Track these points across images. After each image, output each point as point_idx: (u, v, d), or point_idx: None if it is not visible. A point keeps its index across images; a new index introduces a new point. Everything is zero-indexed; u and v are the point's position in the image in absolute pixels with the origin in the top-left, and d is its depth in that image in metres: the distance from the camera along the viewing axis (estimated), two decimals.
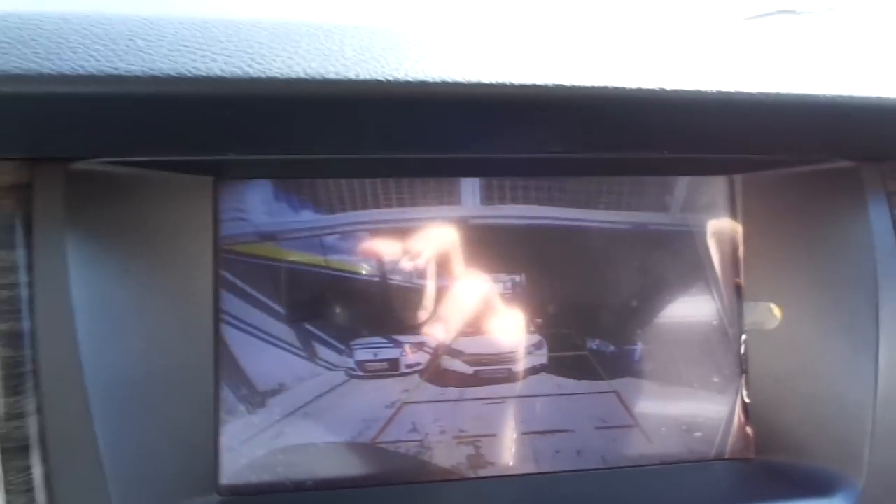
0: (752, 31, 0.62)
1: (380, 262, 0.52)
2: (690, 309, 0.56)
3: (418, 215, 0.53)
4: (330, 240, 0.52)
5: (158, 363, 0.47)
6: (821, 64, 0.50)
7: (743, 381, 0.56)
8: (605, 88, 0.44)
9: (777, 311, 0.55)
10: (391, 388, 0.52)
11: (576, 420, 0.54)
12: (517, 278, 0.54)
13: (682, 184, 0.57)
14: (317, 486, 0.51)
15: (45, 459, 0.42)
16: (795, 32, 0.62)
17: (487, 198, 0.54)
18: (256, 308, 0.51)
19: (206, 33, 0.42)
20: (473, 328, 0.53)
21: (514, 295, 0.54)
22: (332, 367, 0.51)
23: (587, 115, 0.47)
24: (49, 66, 0.39)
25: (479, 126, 0.47)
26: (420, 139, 0.48)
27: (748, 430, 0.56)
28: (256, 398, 0.51)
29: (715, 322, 0.56)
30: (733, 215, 0.57)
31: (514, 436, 0.53)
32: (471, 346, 0.53)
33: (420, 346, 0.52)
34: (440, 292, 0.53)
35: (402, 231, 0.53)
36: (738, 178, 0.57)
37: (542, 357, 0.54)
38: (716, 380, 0.56)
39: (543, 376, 0.54)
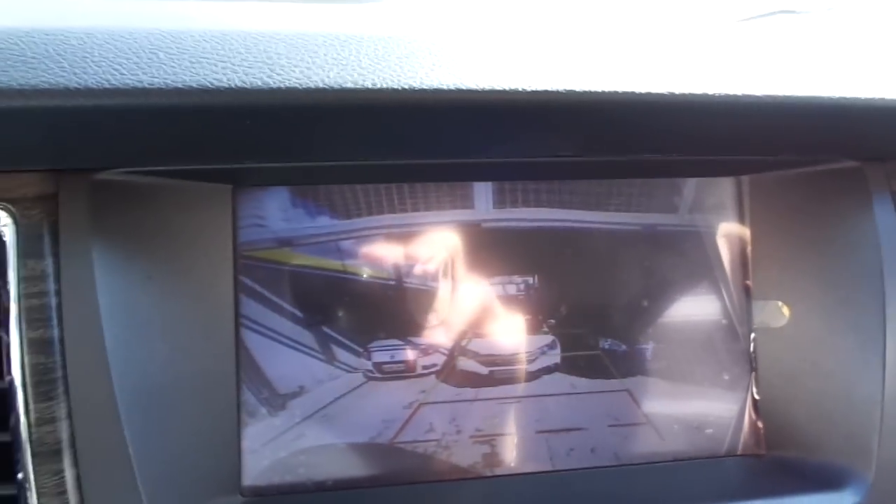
0: (754, 31, 0.63)
1: (395, 266, 0.54)
2: (700, 308, 0.57)
3: (432, 219, 0.54)
4: (346, 244, 0.53)
5: (182, 367, 0.48)
6: (823, 65, 0.51)
7: (753, 378, 0.57)
8: (615, 93, 0.45)
9: (785, 310, 0.57)
10: (408, 389, 0.53)
11: (589, 418, 0.55)
12: (530, 280, 0.55)
13: (691, 185, 0.58)
14: (337, 486, 0.52)
15: (77, 463, 0.43)
16: (797, 32, 0.63)
17: (499, 201, 0.55)
18: (276, 312, 0.52)
19: (225, 45, 0.43)
20: (488, 329, 0.54)
21: (526, 296, 0.55)
22: (351, 369, 0.53)
23: (597, 119, 0.48)
24: (75, 79, 0.41)
25: (492, 131, 0.48)
26: (434, 145, 0.50)
27: (759, 426, 0.57)
28: (277, 401, 0.52)
29: (724, 321, 0.57)
30: (741, 216, 0.58)
31: (529, 434, 0.54)
32: (485, 346, 0.54)
33: (436, 347, 0.54)
34: (454, 295, 0.54)
35: (416, 235, 0.54)
36: (745, 179, 0.58)
37: (555, 357, 0.55)
38: (726, 377, 0.57)
39: (557, 376, 0.55)
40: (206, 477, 0.49)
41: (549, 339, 0.55)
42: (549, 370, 0.55)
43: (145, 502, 0.43)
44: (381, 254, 0.53)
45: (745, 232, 0.58)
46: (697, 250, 0.57)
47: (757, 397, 0.57)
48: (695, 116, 0.49)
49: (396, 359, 0.53)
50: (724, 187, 0.58)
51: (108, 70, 0.41)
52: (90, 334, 0.44)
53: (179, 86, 0.41)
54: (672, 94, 0.46)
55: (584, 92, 0.45)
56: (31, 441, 0.43)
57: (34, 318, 0.44)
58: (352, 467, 0.52)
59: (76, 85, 0.41)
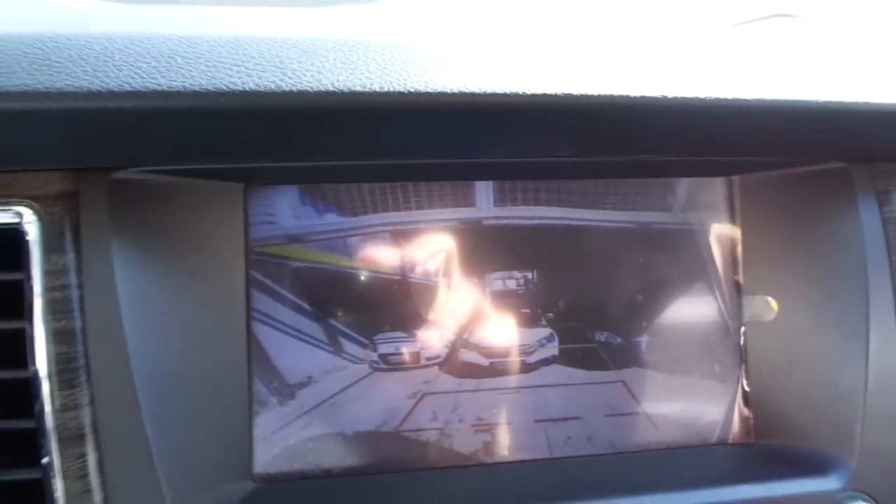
0: (748, 35, 0.65)
1: (400, 262, 0.56)
2: (692, 303, 0.59)
3: (435, 217, 0.56)
4: (353, 241, 0.55)
5: (196, 358, 0.50)
6: (813, 69, 0.53)
7: (743, 370, 0.60)
8: (610, 96, 0.48)
9: (774, 305, 0.59)
10: (412, 380, 0.55)
11: (586, 408, 0.57)
12: (529, 275, 0.57)
13: (684, 185, 0.60)
14: (344, 473, 0.54)
15: (99, 447, 0.45)
16: (789, 36, 0.65)
17: (500, 200, 0.57)
18: (285, 306, 0.54)
19: (239, 50, 0.45)
20: (488, 323, 0.57)
21: (526, 291, 0.57)
22: (357, 360, 0.55)
23: (593, 121, 0.50)
24: (98, 82, 0.43)
25: (493, 132, 0.50)
26: (438, 145, 0.52)
27: (748, 416, 0.59)
28: (287, 390, 0.54)
29: (716, 315, 0.60)
30: (732, 214, 0.60)
31: (528, 423, 0.57)
32: (486, 339, 0.56)
33: (438, 339, 0.56)
34: (457, 289, 0.56)
35: (420, 232, 0.56)
36: (736, 179, 0.60)
37: (553, 349, 0.57)
38: (717, 369, 0.59)
39: (555, 367, 0.57)
40: (219, 463, 0.51)
41: (547, 332, 0.57)
42: (547, 362, 0.57)
43: (163, 485, 0.45)
44: (386, 250, 0.56)
45: (736, 230, 0.60)
46: (690, 247, 0.60)
47: (747, 388, 0.59)
48: (687, 119, 0.51)
49: (401, 351, 0.55)
50: (716, 187, 0.60)
51: (128, 73, 0.43)
52: (110, 325, 0.46)
53: (196, 89, 0.43)
54: (665, 98, 0.48)
55: (581, 95, 0.47)
56: (55, 427, 0.45)
57: (57, 309, 0.46)
58: (358, 454, 0.55)
59: (98, 87, 0.43)
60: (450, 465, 0.55)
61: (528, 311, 0.57)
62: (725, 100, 0.49)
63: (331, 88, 0.44)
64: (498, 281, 0.57)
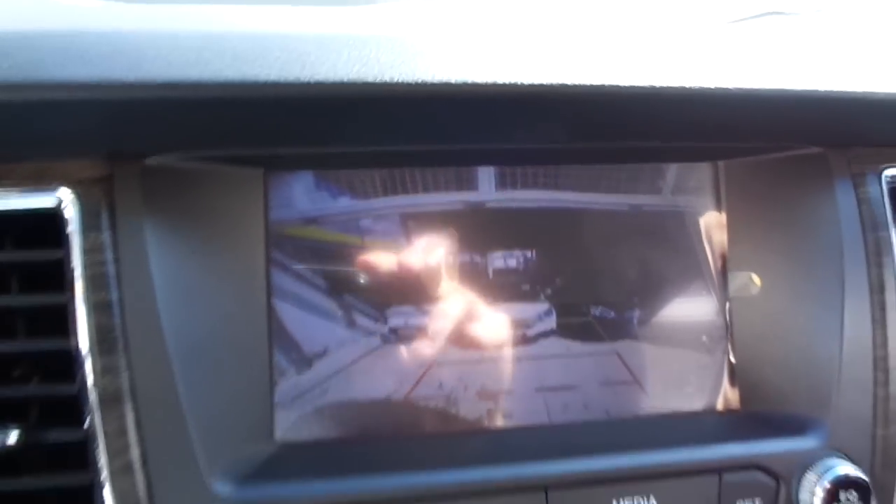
0: (738, 31, 0.68)
1: (408, 241, 0.60)
2: (681, 279, 0.63)
3: (440, 200, 0.60)
4: (365, 222, 0.59)
5: (222, 331, 0.54)
6: (795, 60, 0.57)
7: (728, 342, 0.64)
8: (604, 86, 0.52)
9: (757, 281, 0.63)
10: (420, 351, 0.59)
11: (582, 378, 0.61)
12: (528, 254, 0.61)
13: (672, 170, 0.64)
14: (357, 437, 0.58)
15: (136, 408, 0.49)
16: (779, 33, 0.69)
17: (501, 184, 0.61)
18: (303, 283, 0.58)
19: (261, 45, 0.49)
20: (491, 298, 0.61)
21: (525, 269, 0.61)
22: (369, 333, 0.59)
23: (588, 110, 0.54)
24: (132, 74, 0.47)
25: (494, 120, 0.54)
26: (442, 132, 0.56)
27: (734, 384, 0.63)
28: (304, 361, 0.58)
29: (703, 291, 0.64)
30: (718, 197, 0.65)
31: (528, 392, 0.61)
32: (489, 313, 0.61)
33: (445, 314, 0.60)
34: (461, 267, 0.60)
35: (426, 214, 0.60)
36: (721, 164, 0.64)
37: (551, 323, 0.61)
38: (704, 341, 0.63)
39: (553, 339, 0.61)
40: (243, 427, 0.55)
41: (545, 306, 0.61)
42: (545, 335, 0.61)
43: (195, 443, 0.49)
44: (395, 230, 0.60)
45: (722, 212, 0.64)
46: (679, 228, 0.64)
47: (732, 359, 0.63)
48: (675, 107, 0.55)
49: (410, 324, 0.59)
50: (703, 171, 0.64)
51: (160, 66, 0.47)
52: (145, 298, 0.50)
53: (222, 80, 0.47)
54: (654, 87, 0.52)
55: (576, 85, 0.51)
56: (96, 390, 0.49)
57: (96, 283, 0.50)
58: (370, 420, 0.59)
59: (133, 79, 0.47)
60: (455, 430, 0.60)
61: (527, 287, 0.61)
62: (710, 89, 0.53)
63: (345, 80, 0.48)
64: (499, 259, 0.61)
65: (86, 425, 0.49)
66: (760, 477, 0.55)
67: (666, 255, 0.64)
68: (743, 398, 0.63)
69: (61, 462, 0.51)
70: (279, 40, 0.50)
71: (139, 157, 0.53)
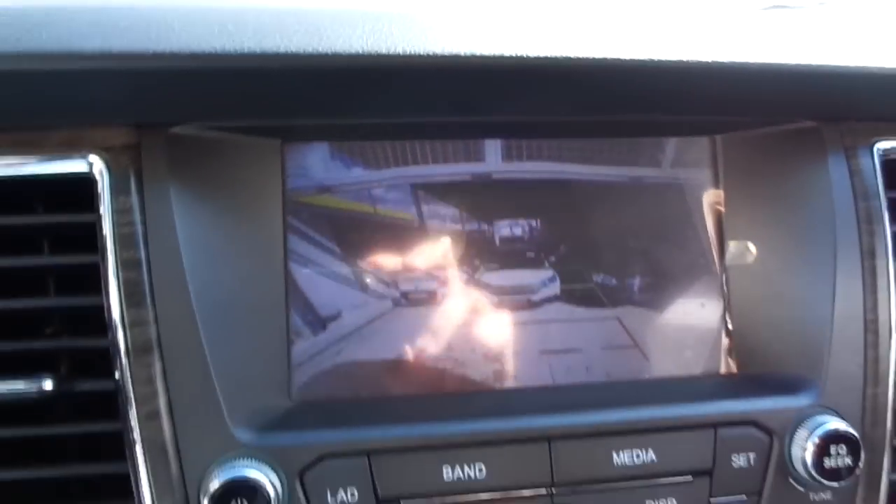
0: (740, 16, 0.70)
1: (418, 210, 0.63)
2: (680, 248, 0.66)
3: (450, 171, 0.63)
4: (377, 191, 0.62)
5: (242, 291, 0.57)
6: (788, 37, 0.59)
7: (726, 308, 0.66)
8: (606, 59, 0.54)
9: (753, 249, 0.65)
10: (430, 314, 0.62)
11: (584, 342, 0.64)
12: (533, 223, 0.64)
13: (672, 144, 0.66)
14: (369, 395, 0.61)
15: (163, 358, 0.52)
16: (782, 23, 0.71)
17: (507, 156, 0.64)
18: (318, 248, 0.61)
19: (281, 19, 0.52)
20: (497, 264, 0.63)
21: (530, 237, 0.64)
22: (381, 296, 0.62)
23: (590, 82, 0.57)
24: (160, 46, 0.50)
25: (501, 91, 0.57)
26: (452, 103, 0.59)
27: (731, 349, 0.66)
28: (319, 323, 0.61)
29: (701, 259, 0.66)
30: (715, 170, 0.67)
31: (533, 354, 0.63)
32: (495, 279, 0.63)
33: (453, 279, 0.63)
34: (469, 235, 0.63)
35: (435, 184, 0.63)
36: (719, 137, 0.67)
37: (555, 289, 0.64)
38: (702, 308, 0.66)
39: (556, 304, 0.64)
40: (262, 384, 0.57)
41: (549, 273, 0.64)
42: (549, 300, 0.64)
43: (219, 393, 0.52)
44: (406, 200, 0.63)
45: (719, 183, 0.67)
46: (678, 199, 0.66)
47: (730, 325, 0.66)
48: (674, 80, 0.58)
49: (420, 288, 0.62)
50: (701, 145, 0.67)
51: (186, 39, 0.50)
52: (171, 256, 0.54)
53: (245, 51, 0.50)
54: (654, 61, 0.55)
55: (580, 58, 0.54)
56: (125, 341, 0.52)
57: (125, 242, 0.53)
58: (381, 380, 0.61)
59: (160, 50, 0.50)
60: (463, 390, 0.62)
61: (532, 254, 0.64)
62: (708, 62, 0.56)
63: (359, 52, 0.51)
64: (505, 228, 0.64)
65: (116, 375, 0.52)
66: (754, 432, 0.58)
67: (665, 226, 0.66)
68: (740, 362, 0.65)
69: (91, 413, 0.54)
70: (298, 15, 0.53)
71: (165, 127, 0.56)
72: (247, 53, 0.50)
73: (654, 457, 0.56)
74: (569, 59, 0.54)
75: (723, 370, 0.66)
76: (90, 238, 0.54)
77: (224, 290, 0.56)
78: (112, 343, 0.52)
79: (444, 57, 0.53)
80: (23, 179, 0.55)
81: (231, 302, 0.57)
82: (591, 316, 0.65)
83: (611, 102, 0.61)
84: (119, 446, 0.53)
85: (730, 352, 0.66)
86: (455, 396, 0.62)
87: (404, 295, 0.62)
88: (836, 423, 0.57)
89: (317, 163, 0.62)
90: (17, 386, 0.52)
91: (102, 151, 0.55)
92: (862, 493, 0.60)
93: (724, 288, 0.66)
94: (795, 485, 0.58)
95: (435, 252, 0.63)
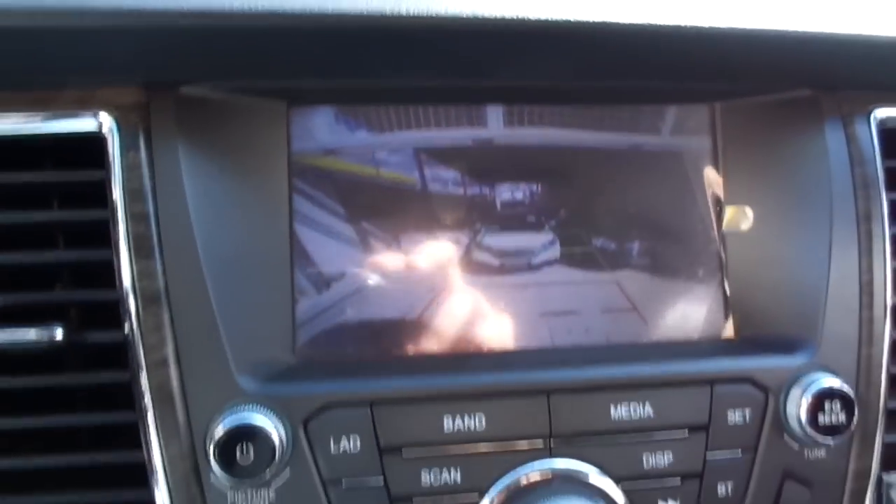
0: None
1: (421, 173, 0.64)
2: (679, 214, 0.67)
3: (452, 135, 0.64)
4: (381, 155, 0.63)
5: (249, 248, 0.59)
6: (787, 4, 0.60)
7: (723, 273, 0.67)
8: (606, 23, 0.55)
9: (751, 214, 0.66)
10: (431, 276, 0.63)
11: (584, 304, 0.65)
12: (534, 188, 0.65)
13: (671, 111, 0.67)
14: (371, 354, 0.62)
15: (170, 307, 0.54)
16: None
17: (509, 122, 0.65)
18: (322, 209, 0.62)
19: None
20: (498, 227, 0.65)
21: (531, 201, 0.65)
22: (384, 257, 0.63)
23: (591, 45, 0.58)
24: (170, 3, 0.51)
25: (504, 53, 0.58)
26: (455, 65, 0.60)
27: (728, 313, 0.67)
28: (323, 282, 0.62)
29: (699, 225, 0.67)
30: (714, 137, 0.68)
31: (533, 317, 0.64)
32: (496, 241, 0.64)
33: (455, 241, 0.64)
34: (471, 198, 0.64)
35: (438, 148, 0.64)
36: (717, 105, 0.68)
37: (555, 252, 0.65)
38: (700, 272, 0.67)
39: (556, 268, 0.65)
40: (267, 340, 0.59)
41: (550, 236, 0.65)
42: (549, 263, 0.65)
43: (224, 342, 0.54)
44: (409, 163, 0.64)
45: (718, 151, 0.68)
46: (677, 166, 0.67)
47: (727, 290, 0.67)
48: (672, 44, 0.59)
49: (422, 250, 0.63)
50: (700, 113, 0.68)
51: None
52: (178, 211, 0.55)
53: (254, 9, 0.52)
54: (654, 25, 0.56)
55: (579, 21, 0.55)
56: (133, 291, 0.53)
57: (134, 197, 0.55)
58: (384, 339, 0.63)
59: (170, 7, 0.51)
60: (463, 350, 0.63)
61: (532, 218, 0.65)
62: (707, 28, 0.57)
63: (364, 11, 0.53)
64: (506, 192, 0.65)
65: (125, 325, 0.53)
66: (750, 390, 0.59)
67: (664, 192, 0.67)
68: (737, 326, 0.66)
69: (100, 365, 0.56)
70: None
71: (174, 87, 0.58)
72: (253, 12, 0.52)
73: (650, 411, 0.57)
74: (569, 21, 0.55)
75: (720, 334, 0.67)
76: (99, 196, 0.56)
77: (230, 246, 0.57)
78: (121, 293, 0.53)
79: (446, 18, 0.54)
80: (34, 137, 0.56)
81: (237, 259, 0.58)
82: (591, 279, 0.66)
83: (611, 67, 0.62)
84: (127, 398, 0.54)
85: (727, 316, 0.67)
86: (454, 358, 0.63)
87: (406, 256, 0.63)
88: (830, 381, 0.58)
89: (322, 126, 0.63)
90: (28, 335, 0.53)
91: (112, 109, 0.56)
92: (856, 452, 0.61)
93: (722, 253, 0.67)
94: (790, 441, 0.59)
95: (436, 214, 0.64)
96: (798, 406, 0.58)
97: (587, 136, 0.66)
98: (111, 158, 0.55)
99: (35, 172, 0.57)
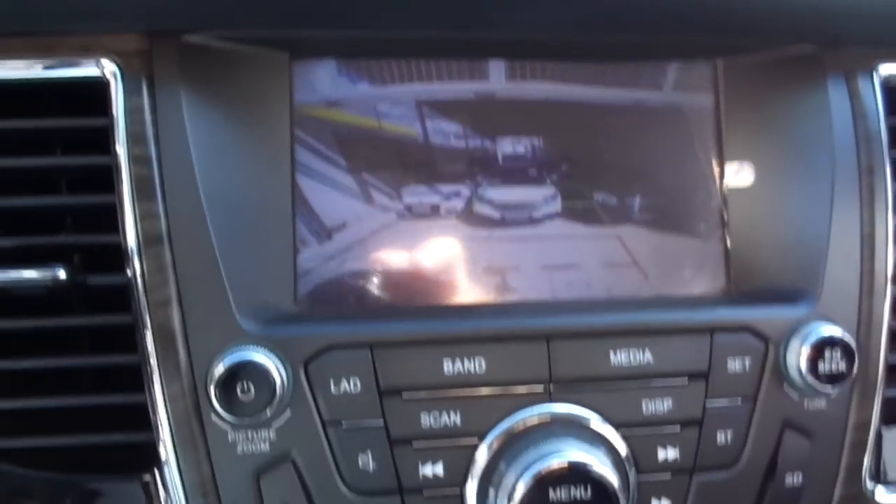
0: None
1: (423, 125, 0.64)
2: (680, 169, 0.67)
3: (454, 88, 0.65)
4: (383, 107, 0.64)
5: (250, 197, 0.59)
6: None
7: (725, 228, 0.67)
8: None
9: (752, 170, 0.66)
10: (433, 228, 0.63)
11: (585, 258, 0.65)
12: (536, 142, 0.65)
13: (673, 67, 0.67)
14: (371, 303, 0.62)
15: (172, 249, 0.54)
16: None
17: (511, 76, 0.65)
18: (324, 160, 0.63)
19: None
20: (500, 180, 0.65)
21: (533, 155, 0.65)
22: (385, 209, 0.63)
23: None
24: None
25: (506, 4, 0.58)
26: (457, 15, 0.60)
27: (729, 268, 0.67)
28: (324, 233, 0.62)
29: (701, 180, 0.67)
30: (716, 93, 0.68)
31: (534, 269, 0.64)
32: (498, 194, 0.65)
33: (457, 194, 0.64)
34: (472, 151, 0.65)
35: (440, 101, 0.64)
36: (720, 62, 0.68)
37: (556, 206, 0.65)
38: (702, 227, 0.67)
39: (558, 221, 0.65)
40: (269, 288, 0.59)
41: (551, 190, 0.65)
42: (551, 217, 0.65)
43: (226, 284, 0.54)
44: (410, 115, 0.64)
45: (720, 107, 0.68)
46: (679, 121, 0.67)
47: (728, 244, 0.67)
48: None
49: (423, 202, 0.63)
50: (702, 69, 0.68)
51: None
52: (181, 154, 0.55)
53: None
54: None
55: None
56: (136, 233, 0.54)
57: (136, 140, 0.55)
58: (384, 289, 0.63)
59: None
60: (464, 302, 0.64)
61: (534, 172, 0.65)
62: None
63: None
64: (508, 145, 0.65)
65: (127, 266, 0.54)
66: (750, 339, 0.59)
67: (666, 147, 0.67)
68: (738, 281, 0.66)
69: (102, 308, 0.56)
70: None
71: (176, 35, 0.58)
72: None
73: (650, 358, 0.57)
74: None
75: (721, 289, 0.67)
76: (102, 143, 0.56)
77: (232, 193, 0.58)
78: (123, 234, 0.54)
79: None
80: (37, 82, 0.57)
81: (239, 206, 0.58)
82: (592, 234, 0.66)
83: (613, 20, 0.62)
84: (129, 340, 0.54)
85: (728, 270, 0.67)
86: (455, 308, 0.63)
87: (408, 207, 0.63)
88: (831, 329, 0.58)
89: (324, 78, 0.63)
90: (31, 275, 0.53)
91: (115, 56, 0.57)
92: (856, 404, 0.61)
93: (724, 209, 0.67)
94: (790, 391, 0.59)
95: (438, 167, 0.64)
96: (798, 355, 0.57)
97: (589, 91, 0.66)
98: (114, 104, 0.56)
99: (39, 119, 0.57)
